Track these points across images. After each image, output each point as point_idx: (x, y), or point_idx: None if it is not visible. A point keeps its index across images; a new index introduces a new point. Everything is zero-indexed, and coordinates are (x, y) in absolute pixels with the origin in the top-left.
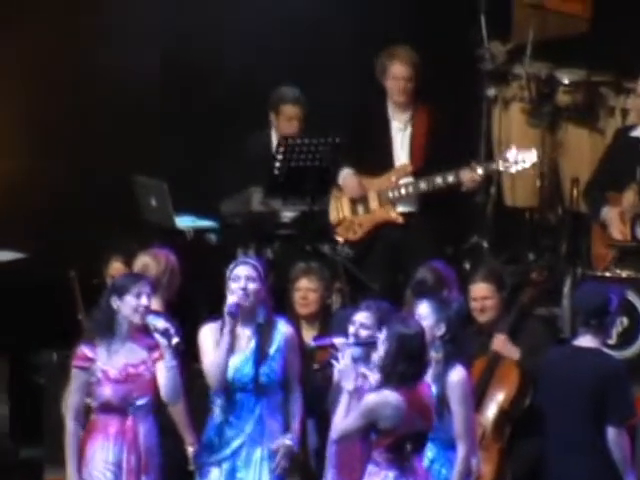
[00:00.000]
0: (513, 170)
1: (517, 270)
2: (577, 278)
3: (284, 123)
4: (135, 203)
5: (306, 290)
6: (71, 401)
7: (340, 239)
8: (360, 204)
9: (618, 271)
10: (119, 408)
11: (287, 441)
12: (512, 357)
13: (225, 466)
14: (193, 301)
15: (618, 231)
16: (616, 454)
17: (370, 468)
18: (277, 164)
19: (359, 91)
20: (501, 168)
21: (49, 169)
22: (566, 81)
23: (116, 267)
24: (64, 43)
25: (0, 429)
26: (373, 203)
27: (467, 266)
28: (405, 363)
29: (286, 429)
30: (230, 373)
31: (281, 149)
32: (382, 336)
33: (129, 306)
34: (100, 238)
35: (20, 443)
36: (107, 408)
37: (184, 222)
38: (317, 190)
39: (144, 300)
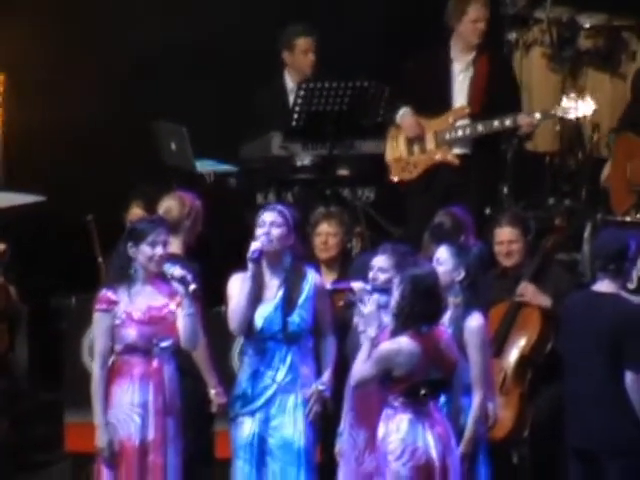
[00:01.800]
0: (572, 116)
1: (539, 215)
2: (597, 223)
3: (300, 57)
4: (155, 147)
5: (326, 234)
6: (97, 347)
7: (394, 178)
8: (416, 144)
9: (638, 216)
10: (144, 349)
11: (319, 386)
12: (544, 305)
13: (259, 416)
14: (212, 245)
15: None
16: (634, 399)
17: (386, 411)
18: (297, 108)
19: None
20: (559, 114)
21: (68, 114)
22: (587, 25)
23: (136, 212)
24: None
25: (20, 373)
26: (430, 144)
27: (487, 211)
28: (421, 303)
29: (318, 373)
30: (259, 323)
31: (301, 93)
32: (396, 281)
33: (144, 255)
34: (118, 182)
35: (40, 387)
36: (132, 350)
37: (204, 166)
38: (337, 134)
39: (159, 249)
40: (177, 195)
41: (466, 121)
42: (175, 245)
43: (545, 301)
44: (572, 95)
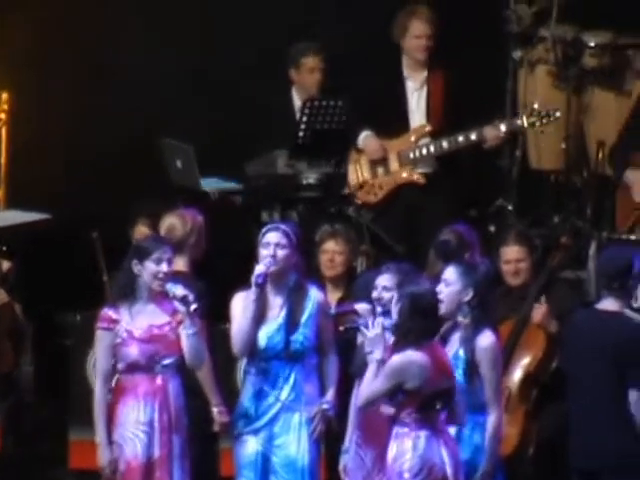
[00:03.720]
0: (537, 125)
1: (544, 233)
2: (602, 241)
3: (306, 75)
4: (161, 165)
5: (332, 252)
6: (98, 365)
7: (360, 202)
8: (380, 166)
9: None
10: (146, 367)
11: (324, 406)
12: (550, 330)
13: (262, 434)
14: (217, 262)
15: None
16: (638, 417)
17: (398, 429)
18: (302, 126)
19: (372, 52)
20: (525, 124)
21: (74, 131)
22: (592, 44)
23: (142, 231)
24: None
25: (25, 389)
26: (393, 164)
27: (492, 229)
28: (418, 320)
29: (322, 392)
30: (263, 342)
31: (306, 111)
32: (394, 298)
33: (149, 272)
34: (124, 199)
35: (45, 404)
36: (134, 368)
37: (209, 184)
38: (342, 152)
39: (164, 267)
40: (178, 213)
41: (428, 139)
42: (181, 263)
43: (553, 327)
44: (536, 104)
